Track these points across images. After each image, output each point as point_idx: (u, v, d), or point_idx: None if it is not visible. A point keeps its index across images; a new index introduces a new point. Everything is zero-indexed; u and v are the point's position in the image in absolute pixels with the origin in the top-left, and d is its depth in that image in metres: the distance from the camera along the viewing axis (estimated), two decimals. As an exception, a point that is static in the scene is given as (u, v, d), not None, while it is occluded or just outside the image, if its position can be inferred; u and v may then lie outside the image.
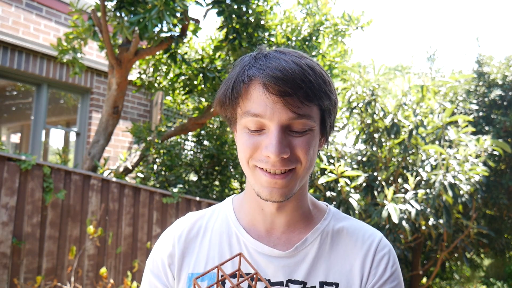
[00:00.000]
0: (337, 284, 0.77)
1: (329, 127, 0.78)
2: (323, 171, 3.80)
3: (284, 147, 0.69)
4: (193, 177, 5.27)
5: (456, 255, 5.06)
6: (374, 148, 3.84)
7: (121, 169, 4.15)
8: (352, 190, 3.59)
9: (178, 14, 3.26)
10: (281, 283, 0.76)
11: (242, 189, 5.42)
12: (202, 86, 4.27)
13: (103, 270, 2.94)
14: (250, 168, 0.74)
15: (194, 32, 3.99)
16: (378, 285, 0.77)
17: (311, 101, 0.70)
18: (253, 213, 0.82)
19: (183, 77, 4.35)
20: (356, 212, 3.47)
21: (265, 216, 0.81)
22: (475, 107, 5.56)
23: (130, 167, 4.24)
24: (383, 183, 3.58)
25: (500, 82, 5.72)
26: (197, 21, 3.92)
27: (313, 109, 0.72)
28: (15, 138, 6.30)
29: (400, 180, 4.00)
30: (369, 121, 3.80)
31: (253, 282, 0.62)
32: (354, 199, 3.49)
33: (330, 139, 0.84)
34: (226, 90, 0.74)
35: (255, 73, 0.70)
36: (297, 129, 0.71)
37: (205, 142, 5.52)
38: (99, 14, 3.44)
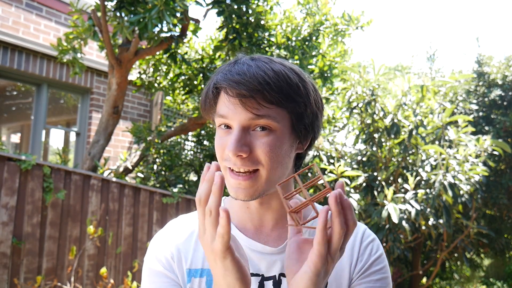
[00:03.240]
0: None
1: (304, 129, 0.79)
2: (323, 171, 3.80)
3: (242, 145, 0.72)
4: (193, 177, 5.27)
5: (456, 255, 5.07)
6: (374, 148, 3.84)
7: (121, 169, 4.15)
8: (352, 190, 3.59)
9: (178, 14, 3.27)
10: (274, 277, 0.80)
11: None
12: (202, 86, 4.27)
13: (103, 270, 2.94)
14: (223, 169, 0.76)
15: (194, 32, 3.99)
16: (364, 268, 0.82)
17: (270, 102, 0.72)
18: (240, 212, 0.85)
19: (183, 77, 4.35)
20: (356, 212, 3.47)
21: (252, 214, 0.84)
22: (475, 107, 5.56)
23: (130, 167, 4.24)
24: (383, 183, 3.58)
25: (500, 82, 5.72)
26: (197, 21, 3.92)
27: (278, 111, 0.74)
28: (15, 138, 6.31)
29: (400, 180, 4.00)
30: (369, 121, 3.80)
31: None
32: (354, 199, 3.49)
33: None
34: (204, 95, 0.80)
35: (219, 79, 0.76)
36: (260, 128, 0.73)
37: (205, 142, 5.52)
38: (99, 14, 3.45)
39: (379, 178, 3.69)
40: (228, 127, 0.76)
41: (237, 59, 0.79)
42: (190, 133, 5.49)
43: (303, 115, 0.77)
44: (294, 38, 4.11)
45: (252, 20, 3.73)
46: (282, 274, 0.80)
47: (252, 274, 0.80)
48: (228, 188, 0.77)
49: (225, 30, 3.72)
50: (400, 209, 3.24)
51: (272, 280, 0.80)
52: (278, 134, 0.74)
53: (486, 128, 5.43)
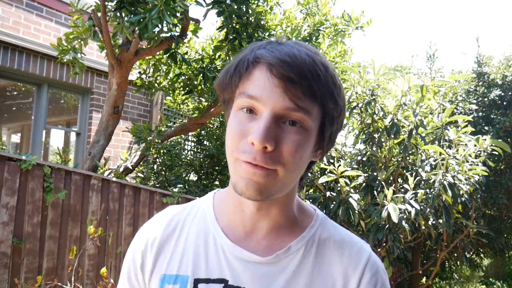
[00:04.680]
0: None
1: (328, 137, 0.71)
2: (323, 171, 3.81)
3: (271, 137, 0.62)
4: (193, 177, 5.28)
5: (455, 254, 5.07)
6: (374, 148, 3.85)
7: (121, 169, 4.15)
8: (352, 190, 3.60)
9: (178, 14, 3.27)
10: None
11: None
12: (202, 86, 4.28)
13: (103, 270, 2.94)
14: (233, 159, 0.66)
15: (194, 32, 4.00)
16: None
17: (314, 96, 0.64)
18: (233, 213, 0.75)
19: (183, 77, 4.35)
20: (356, 212, 3.47)
21: (245, 218, 0.74)
22: (474, 107, 5.57)
23: (130, 167, 4.24)
24: (383, 183, 3.59)
25: (499, 82, 5.72)
26: (197, 21, 3.92)
27: (314, 107, 0.65)
28: (16, 138, 6.31)
29: (400, 180, 4.01)
30: (369, 121, 3.80)
31: None
32: (354, 199, 3.50)
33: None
34: (229, 68, 0.69)
35: (263, 54, 0.65)
36: (291, 122, 0.64)
37: (205, 142, 5.53)
38: (99, 14, 3.45)
39: (379, 178, 3.69)
40: (252, 111, 0.65)
41: (278, 39, 0.69)
42: (190, 133, 5.49)
43: (335, 121, 0.70)
44: (294, 38, 4.11)
45: (252, 20, 3.74)
46: None
47: (217, 280, 0.71)
48: (236, 179, 0.66)
49: (225, 30, 3.72)
50: (400, 209, 3.25)
51: None
52: (308, 134, 0.66)
53: (486, 128, 5.43)
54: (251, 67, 0.65)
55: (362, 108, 3.74)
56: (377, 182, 3.69)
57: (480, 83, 5.86)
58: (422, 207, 3.36)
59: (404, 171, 3.82)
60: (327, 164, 3.71)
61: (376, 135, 3.83)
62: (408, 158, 3.89)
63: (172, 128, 4.70)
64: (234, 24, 3.57)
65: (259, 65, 0.65)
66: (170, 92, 4.98)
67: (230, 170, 0.68)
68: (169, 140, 4.98)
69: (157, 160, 4.57)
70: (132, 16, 3.14)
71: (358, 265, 0.72)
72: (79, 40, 3.82)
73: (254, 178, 0.63)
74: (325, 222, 0.79)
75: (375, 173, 3.79)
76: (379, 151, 3.85)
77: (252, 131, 0.63)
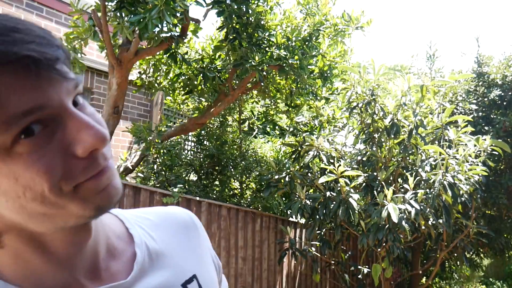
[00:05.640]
0: (195, 276, 0.62)
1: None
2: (323, 171, 3.81)
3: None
4: (193, 177, 5.28)
5: (455, 254, 5.07)
6: (374, 148, 3.85)
7: (121, 169, 4.15)
8: (352, 190, 3.60)
9: (178, 14, 3.27)
10: None
11: (242, 189, 5.43)
12: (202, 86, 4.28)
13: (103, 270, 2.94)
14: (64, 197, 0.46)
15: (194, 32, 4.00)
16: None
17: None
18: (47, 270, 0.50)
19: (183, 77, 4.35)
20: (356, 211, 3.48)
21: (84, 246, 0.52)
22: (474, 107, 5.57)
23: (130, 167, 4.24)
24: (383, 183, 3.59)
25: (499, 82, 5.72)
26: (197, 21, 3.92)
27: None
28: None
29: (399, 180, 4.01)
30: (369, 121, 3.80)
31: None
32: (354, 199, 3.50)
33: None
34: None
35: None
36: None
37: (205, 142, 5.53)
38: (99, 14, 3.45)
39: (379, 178, 3.69)
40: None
41: None
42: (190, 133, 5.49)
43: None
44: (294, 38, 4.11)
45: (252, 20, 3.74)
46: None
47: None
48: (80, 209, 0.46)
49: (225, 30, 3.72)
50: (399, 209, 3.25)
51: None
52: None
53: (486, 128, 5.43)
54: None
55: (362, 108, 3.74)
56: (377, 182, 3.70)
57: (480, 83, 5.86)
58: (422, 207, 3.37)
59: (404, 171, 3.82)
60: (327, 164, 3.71)
61: (376, 135, 3.84)
62: (408, 158, 3.89)
63: (172, 128, 4.70)
64: (234, 24, 3.57)
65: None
66: (170, 92, 4.98)
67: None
68: (169, 140, 4.98)
69: (157, 160, 4.57)
70: (132, 16, 3.14)
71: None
72: (79, 40, 3.82)
73: (110, 182, 0.48)
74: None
75: (375, 173, 3.79)
76: (379, 151, 3.85)
77: (82, 129, 0.45)
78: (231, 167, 5.21)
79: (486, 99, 5.70)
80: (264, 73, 3.84)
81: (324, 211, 3.62)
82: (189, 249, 0.66)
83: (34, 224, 0.46)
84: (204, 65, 4.18)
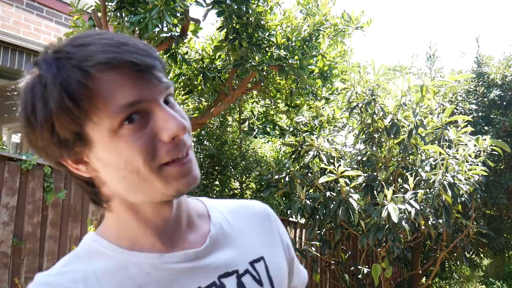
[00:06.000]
0: (262, 257, 0.71)
1: None
2: (323, 171, 3.81)
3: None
4: (193, 177, 5.28)
5: (455, 254, 5.08)
6: (374, 148, 3.85)
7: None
8: (352, 190, 3.60)
9: (178, 14, 3.27)
10: (214, 284, 0.63)
11: (242, 189, 5.43)
12: (202, 86, 4.28)
13: (103, 270, 2.95)
14: (154, 172, 0.58)
15: (195, 32, 4.00)
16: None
17: None
18: (144, 231, 0.63)
19: (183, 77, 4.35)
20: (356, 211, 3.48)
21: (167, 219, 0.63)
22: (474, 107, 5.57)
23: (131, 167, 4.24)
24: (383, 183, 3.59)
25: (499, 82, 5.73)
26: (197, 21, 3.93)
27: None
28: (16, 138, 6.31)
29: (399, 180, 4.01)
30: (369, 121, 3.81)
31: None
32: (354, 199, 3.50)
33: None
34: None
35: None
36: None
37: (205, 142, 5.53)
38: (99, 14, 3.45)
39: (379, 178, 3.69)
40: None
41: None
42: (190, 133, 5.50)
43: None
44: (294, 39, 4.11)
45: (252, 20, 3.74)
46: (221, 276, 0.64)
47: None
48: (164, 188, 0.57)
49: (225, 30, 3.72)
50: (399, 209, 3.25)
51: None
52: None
53: (486, 128, 5.43)
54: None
55: (362, 108, 3.74)
56: (377, 182, 3.70)
57: (480, 83, 5.86)
58: (422, 207, 3.37)
59: (404, 171, 3.82)
60: (327, 164, 3.71)
61: (376, 135, 3.84)
62: (408, 158, 3.89)
63: (172, 128, 4.70)
64: (234, 24, 3.58)
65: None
66: (170, 92, 4.98)
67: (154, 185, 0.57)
68: (169, 140, 4.98)
69: (157, 160, 4.58)
70: (132, 16, 3.14)
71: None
72: (79, 40, 3.82)
73: (189, 172, 0.58)
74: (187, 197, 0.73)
75: (375, 173, 3.80)
76: (379, 151, 3.85)
77: (167, 122, 0.56)
78: (231, 167, 5.22)
79: (486, 99, 5.70)
80: (264, 73, 3.84)
81: (324, 211, 3.62)
82: (259, 234, 0.75)
83: (131, 195, 0.59)
84: (204, 65, 4.18)
